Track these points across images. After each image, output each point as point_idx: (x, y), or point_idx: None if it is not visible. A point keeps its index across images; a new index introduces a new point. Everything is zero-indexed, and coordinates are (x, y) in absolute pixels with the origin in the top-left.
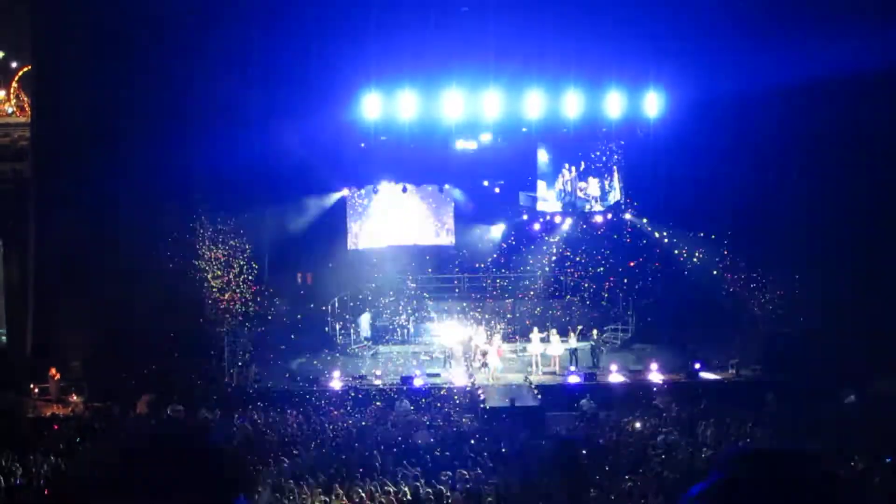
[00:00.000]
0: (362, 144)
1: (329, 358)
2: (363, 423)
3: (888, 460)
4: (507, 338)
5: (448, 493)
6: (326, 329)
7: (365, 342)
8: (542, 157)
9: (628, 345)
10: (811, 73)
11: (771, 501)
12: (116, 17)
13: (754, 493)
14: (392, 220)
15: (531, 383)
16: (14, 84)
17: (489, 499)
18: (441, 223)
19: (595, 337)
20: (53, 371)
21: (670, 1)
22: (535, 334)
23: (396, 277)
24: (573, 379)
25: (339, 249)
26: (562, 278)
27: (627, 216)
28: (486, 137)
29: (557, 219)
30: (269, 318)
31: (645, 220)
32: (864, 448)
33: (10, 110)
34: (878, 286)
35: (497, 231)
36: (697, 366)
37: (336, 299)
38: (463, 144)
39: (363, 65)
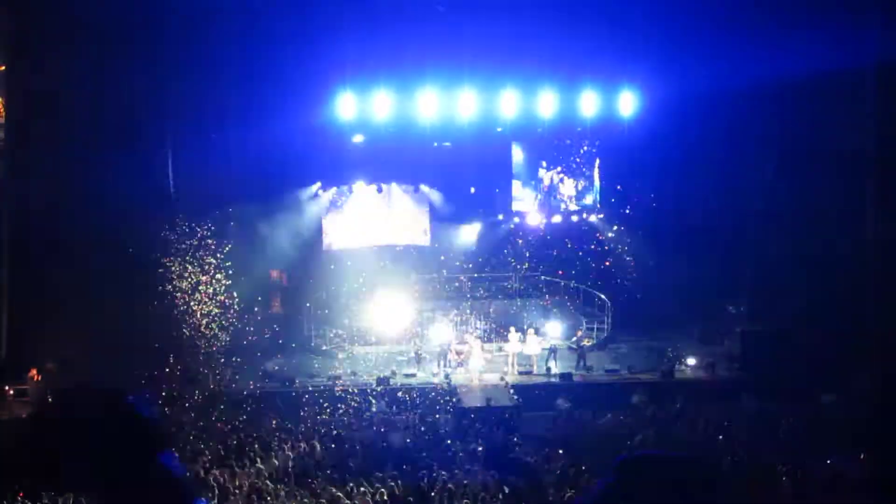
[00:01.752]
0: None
1: (304, 358)
2: (339, 424)
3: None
4: (484, 338)
5: (425, 493)
6: (300, 328)
7: (340, 342)
8: (518, 156)
9: (604, 344)
10: (787, 72)
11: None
12: (90, 14)
13: (637, 497)
14: (368, 220)
15: (507, 383)
16: None
17: (465, 500)
18: (417, 223)
19: (578, 336)
20: (34, 372)
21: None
22: (513, 334)
23: (372, 278)
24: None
25: (314, 249)
26: (542, 277)
27: (602, 216)
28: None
29: (533, 218)
30: (244, 318)
31: (619, 220)
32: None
33: None
34: (856, 284)
35: (473, 231)
36: (674, 365)
37: (311, 299)
38: (438, 144)
39: (337, 64)
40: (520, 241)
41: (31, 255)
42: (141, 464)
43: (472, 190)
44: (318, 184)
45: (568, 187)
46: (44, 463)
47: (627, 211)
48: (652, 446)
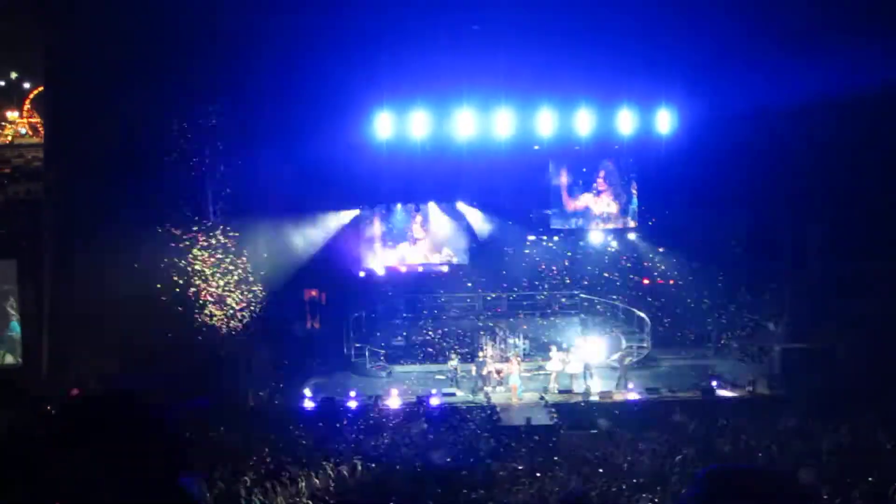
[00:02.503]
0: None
1: (344, 378)
2: (379, 444)
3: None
4: (524, 357)
5: None
6: (341, 348)
7: (381, 362)
8: (555, 174)
9: (644, 363)
10: (825, 89)
11: None
12: (130, 37)
13: None
14: (406, 239)
15: (546, 402)
16: (27, 105)
17: None
18: (455, 242)
19: (619, 356)
20: (76, 392)
21: (681, 20)
22: (555, 353)
23: (410, 297)
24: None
25: (352, 269)
26: (581, 295)
27: (640, 233)
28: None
29: (570, 236)
30: (285, 338)
31: (657, 237)
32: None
33: (23, 131)
34: None
35: (511, 249)
36: (714, 383)
37: (351, 319)
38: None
39: (375, 84)
40: (558, 259)
41: (72, 275)
42: (161, 485)
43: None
44: (357, 204)
45: (605, 204)
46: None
47: (664, 229)
48: (692, 464)
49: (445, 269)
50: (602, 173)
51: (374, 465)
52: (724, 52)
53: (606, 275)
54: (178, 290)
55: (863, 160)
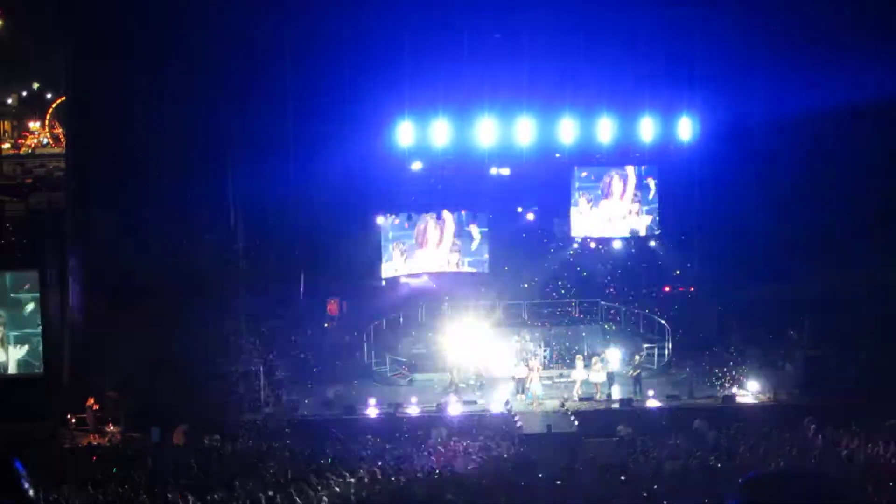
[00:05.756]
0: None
1: (365, 386)
2: (400, 452)
3: None
4: (545, 364)
5: None
6: (362, 356)
7: (401, 370)
8: (576, 183)
9: (665, 370)
10: (847, 96)
11: None
12: (151, 48)
13: None
14: (426, 248)
15: (567, 409)
16: (49, 115)
17: None
18: (476, 250)
19: (636, 363)
20: (92, 401)
21: (701, 28)
22: (579, 361)
23: (432, 305)
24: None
25: (374, 277)
26: (602, 302)
27: (660, 240)
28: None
29: (592, 244)
30: (305, 346)
31: (678, 244)
32: None
33: (45, 141)
34: None
35: (532, 257)
36: (735, 390)
37: (371, 327)
38: (497, 171)
39: (397, 93)
40: (578, 266)
41: (93, 285)
42: None
43: (531, 216)
44: (379, 211)
45: (626, 212)
46: None
47: (684, 236)
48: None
49: (468, 276)
50: (623, 181)
51: (394, 472)
52: (745, 60)
53: (627, 282)
54: (198, 299)
55: (884, 166)
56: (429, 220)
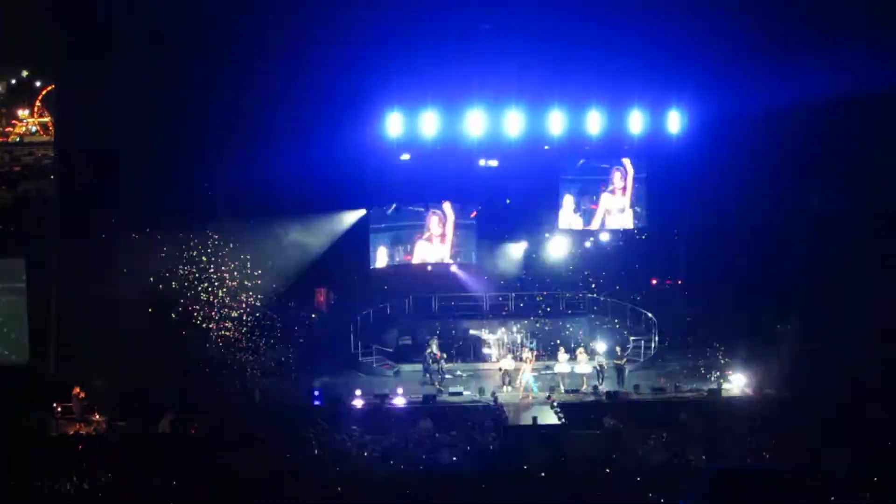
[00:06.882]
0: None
1: (351, 376)
2: (386, 442)
3: None
4: (532, 356)
5: None
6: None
7: (387, 361)
8: (564, 174)
9: (651, 362)
10: (837, 90)
11: None
12: (140, 37)
13: None
14: (414, 239)
15: (553, 402)
16: (37, 103)
17: None
18: (463, 241)
19: (619, 354)
20: (77, 390)
21: (691, 21)
22: (563, 353)
23: (418, 296)
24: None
25: (361, 268)
26: (589, 295)
27: (648, 233)
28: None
29: (580, 236)
30: (291, 335)
31: (666, 238)
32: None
33: (33, 129)
34: None
35: (519, 249)
36: (719, 383)
37: (359, 317)
38: (485, 163)
39: (385, 83)
40: (566, 259)
41: (80, 274)
42: None
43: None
44: (366, 202)
45: (613, 205)
46: None
47: (672, 229)
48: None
49: (454, 268)
50: (611, 174)
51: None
52: (734, 53)
53: (614, 275)
54: (185, 288)
55: (873, 160)
56: (416, 212)
